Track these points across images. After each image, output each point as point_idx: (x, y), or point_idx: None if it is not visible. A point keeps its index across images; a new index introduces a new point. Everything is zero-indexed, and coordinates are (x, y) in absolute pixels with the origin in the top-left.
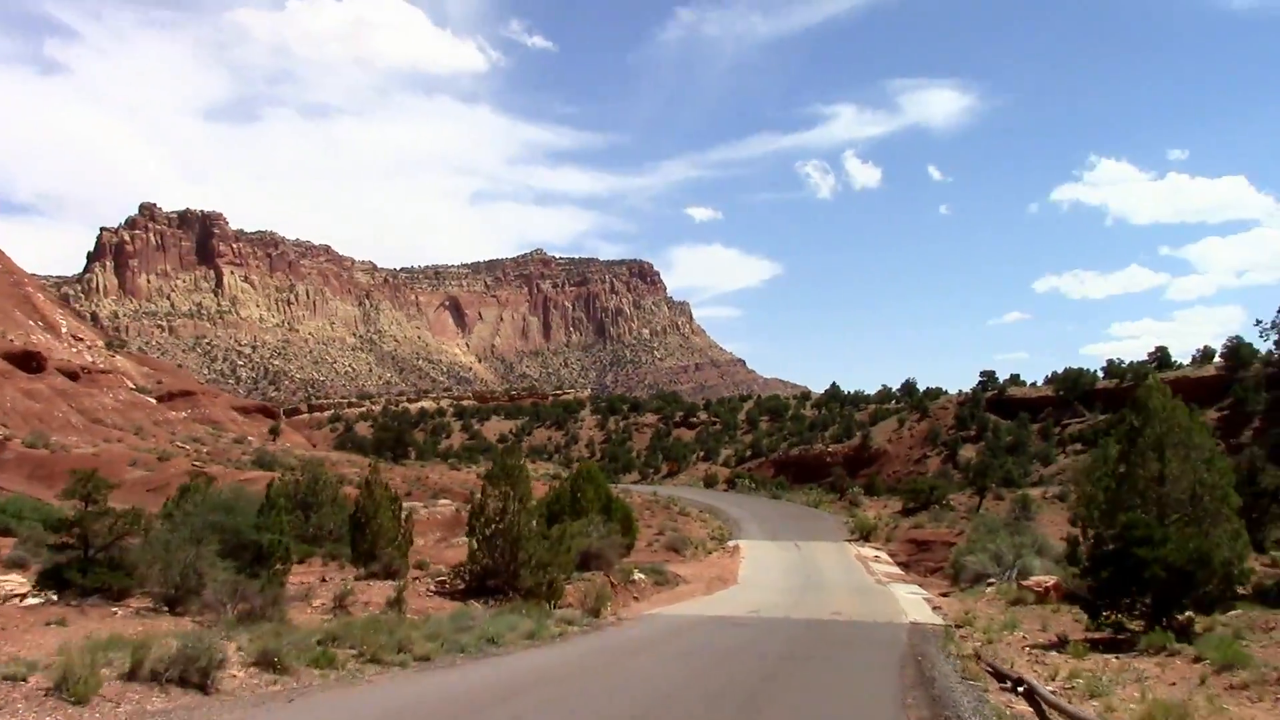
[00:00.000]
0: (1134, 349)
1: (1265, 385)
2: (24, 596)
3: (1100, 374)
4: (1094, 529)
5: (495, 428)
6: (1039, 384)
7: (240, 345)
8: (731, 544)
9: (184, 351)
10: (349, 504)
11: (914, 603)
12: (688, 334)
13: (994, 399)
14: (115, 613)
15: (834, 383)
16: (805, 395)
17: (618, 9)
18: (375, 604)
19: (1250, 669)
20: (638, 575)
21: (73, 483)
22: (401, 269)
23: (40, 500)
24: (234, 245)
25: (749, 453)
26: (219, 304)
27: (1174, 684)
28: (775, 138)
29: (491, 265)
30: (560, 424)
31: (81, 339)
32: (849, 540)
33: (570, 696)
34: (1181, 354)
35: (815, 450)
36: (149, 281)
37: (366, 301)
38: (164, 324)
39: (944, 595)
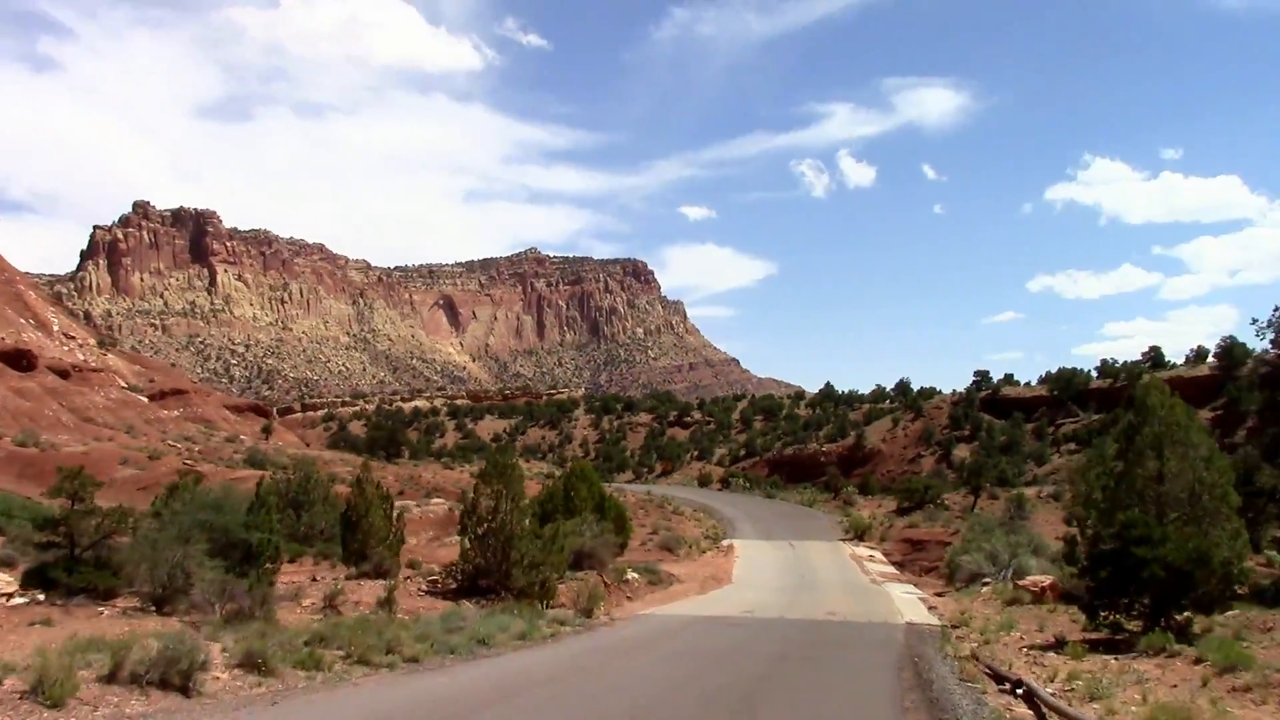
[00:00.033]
0: (1128, 349)
1: (1259, 385)
2: (10, 596)
3: (1094, 374)
4: (1092, 528)
5: (489, 427)
6: (1033, 384)
7: (234, 344)
8: (725, 543)
9: (177, 350)
10: (341, 503)
11: (909, 602)
12: (682, 333)
13: (988, 399)
14: (102, 613)
15: (828, 382)
16: (799, 395)
17: (612, 8)
18: (366, 604)
19: (1253, 671)
20: (631, 575)
21: (59, 481)
22: (395, 268)
23: (30, 499)
24: (227, 243)
25: (743, 452)
26: (212, 302)
27: (1175, 686)
28: (770, 137)
29: (486, 264)
30: (554, 423)
31: (73, 337)
32: (843, 540)
33: (561, 699)
34: (1175, 354)
35: (809, 450)
36: (142, 280)
37: (360, 300)
38: (157, 322)
39: (939, 595)
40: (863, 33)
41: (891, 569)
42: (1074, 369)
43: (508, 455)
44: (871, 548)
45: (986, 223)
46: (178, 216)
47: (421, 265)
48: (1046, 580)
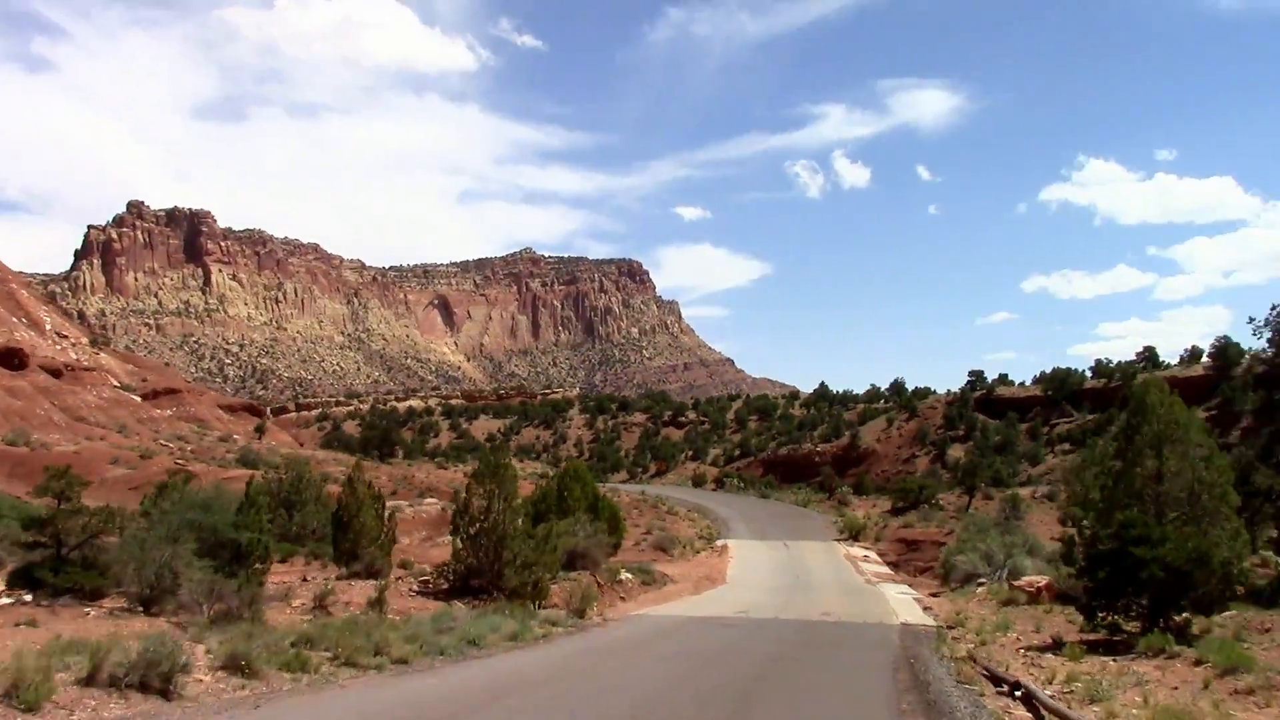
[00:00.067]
0: (1122, 349)
1: (1254, 385)
2: None
3: (1088, 374)
4: (1090, 528)
5: (483, 427)
6: (1027, 384)
7: (228, 344)
8: (720, 543)
9: (171, 350)
10: (333, 502)
11: (904, 603)
12: (676, 333)
13: (982, 399)
14: (88, 613)
15: (822, 382)
16: (794, 395)
17: (607, 8)
18: (356, 604)
19: (1255, 673)
20: (625, 575)
21: (45, 480)
22: (390, 268)
23: (19, 498)
24: (222, 243)
25: (737, 452)
26: (207, 302)
27: (1176, 688)
28: (764, 137)
29: (480, 264)
30: (548, 423)
31: (66, 336)
32: (838, 540)
33: (553, 701)
34: (1169, 354)
35: (804, 450)
36: (136, 280)
37: (355, 300)
38: (151, 322)
39: (934, 595)
40: (857, 34)
41: (886, 569)
42: (1068, 369)
43: (501, 455)
44: (866, 548)
45: (981, 223)
46: (172, 216)
47: (416, 265)
48: (1042, 580)
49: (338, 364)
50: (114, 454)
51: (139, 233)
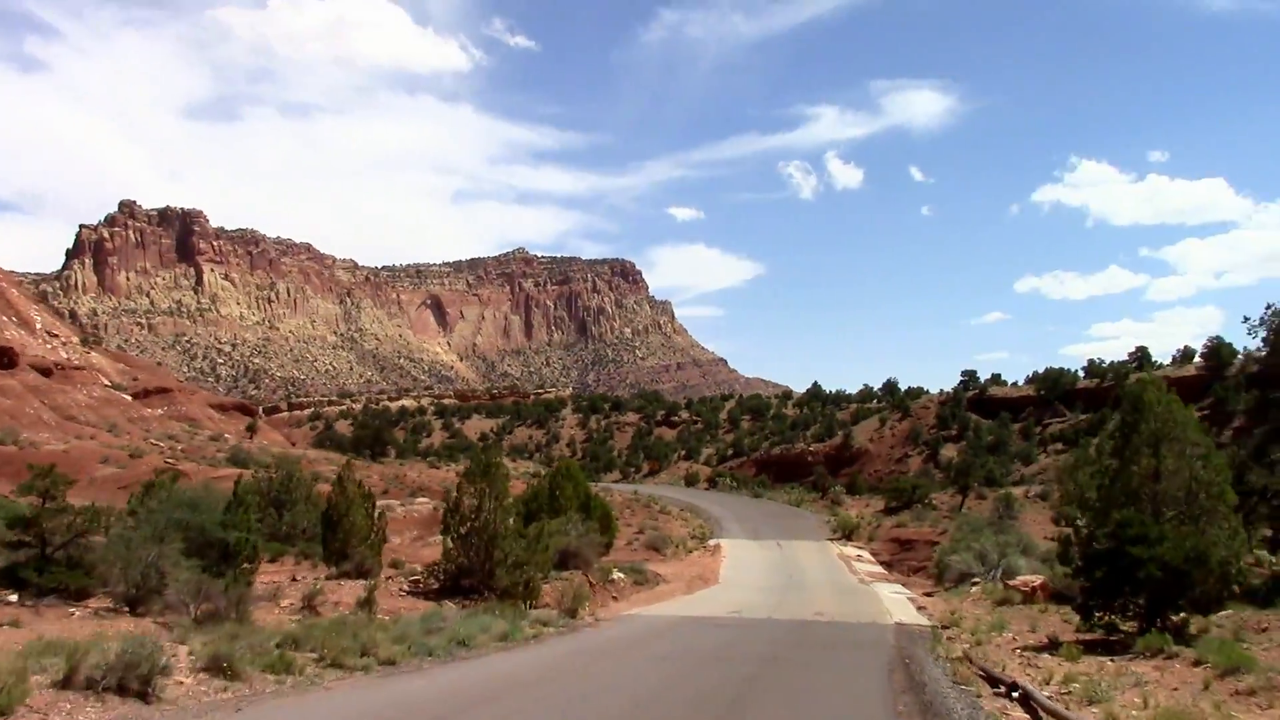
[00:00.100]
0: (1114, 349)
1: (1246, 385)
2: None
3: (1081, 374)
4: (1086, 528)
5: (476, 426)
6: (1020, 384)
7: (220, 343)
8: (713, 543)
9: (163, 349)
10: (323, 502)
11: (898, 603)
12: (670, 333)
13: (975, 398)
14: (73, 613)
15: (815, 382)
16: (787, 394)
17: (600, 9)
18: (345, 604)
19: (1256, 674)
20: (617, 574)
21: (30, 479)
22: (383, 267)
23: (4, 497)
24: (214, 243)
25: (730, 452)
26: (199, 302)
27: (1176, 689)
28: (757, 138)
29: (473, 264)
30: (541, 423)
31: (56, 335)
32: (831, 539)
33: (542, 703)
34: (1161, 354)
35: (797, 449)
36: (128, 279)
37: (348, 300)
38: (143, 322)
39: (928, 595)
40: (850, 35)
41: (879, 569)
42: (1061, 369)
43: (492, 454)
44: (859, 547)
45: (974, 224)
46: (164, 216)
47: (409, 265)
48: (1037, 580)
49: (330, 364)
50: (104, 453)
51: (131, 232)
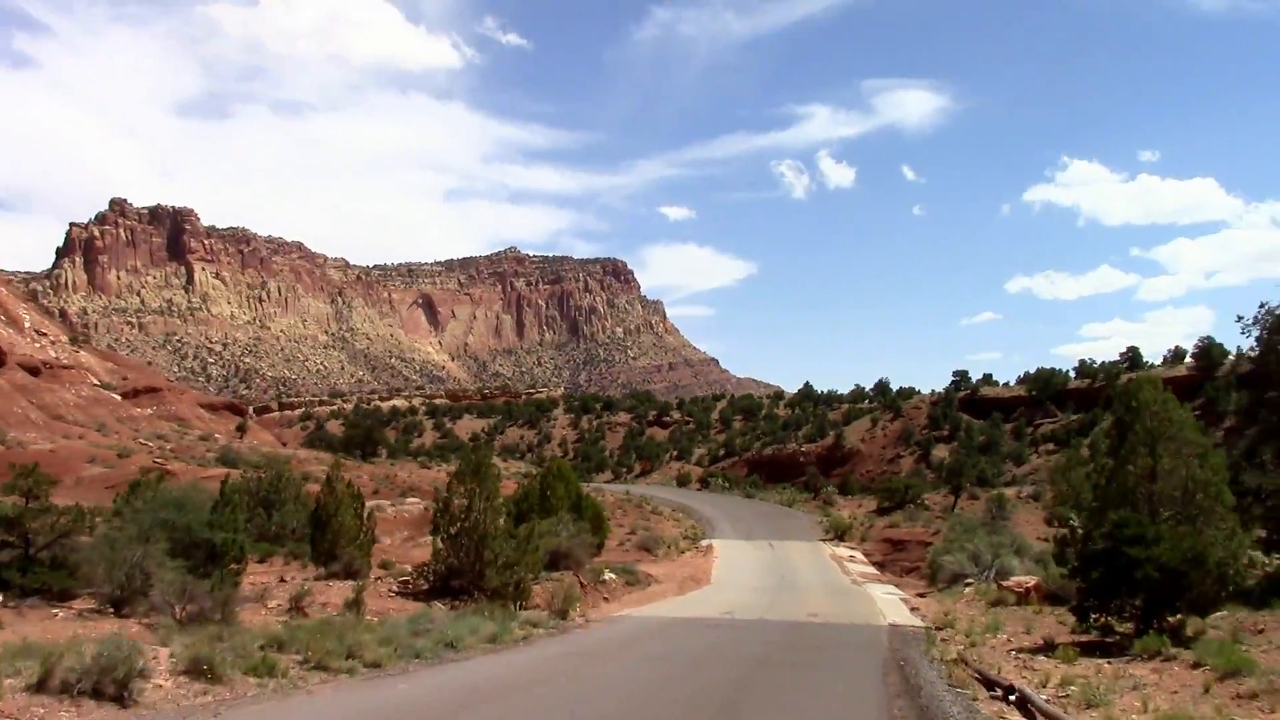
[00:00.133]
0: (1105, 349)
1: (1237, 385)
2: None
3: (1072, 374)
4: (1081, 527)
5: (468, 426)
6: (1011, 384)
7: (211, 342)
8: (704, 543)
9: (154, 349)
10: (313, 502)
11: (891, 603)
12: (661, 333)
13: (967, 399)
14: (56, 614)
15: (807, 382)
16: (779, 395)
17: (593, 7)
18: (333, 605)
19: (1257, 676)
20: (608, 575)
21: (13, 478)
22: (374, 266)
23: None
24: (205, 241)
25: (722, 452)
26: (190, 301)
27: (1175, 692)
28: (750, 137)
29: (465, 263)
30: (533, 423)
31: (45, 334)
32: (823, 540)
33: (529, 707)
34: (1152, 354)
35: (789, 449)
36: (119, 278)
37: (339, 299)
38: (134, 321)
39: (921, 596)
40: (843, 34)
41: (872, 569)
42: (1052, 369)
43: (483, 453)
44: (852, 548)
45: (965, 224)
46: (155, 214)
47: (400, 264)
48: (1031, 581)
49: (321, 363)
50: (91, 452)
51: (121, 230)
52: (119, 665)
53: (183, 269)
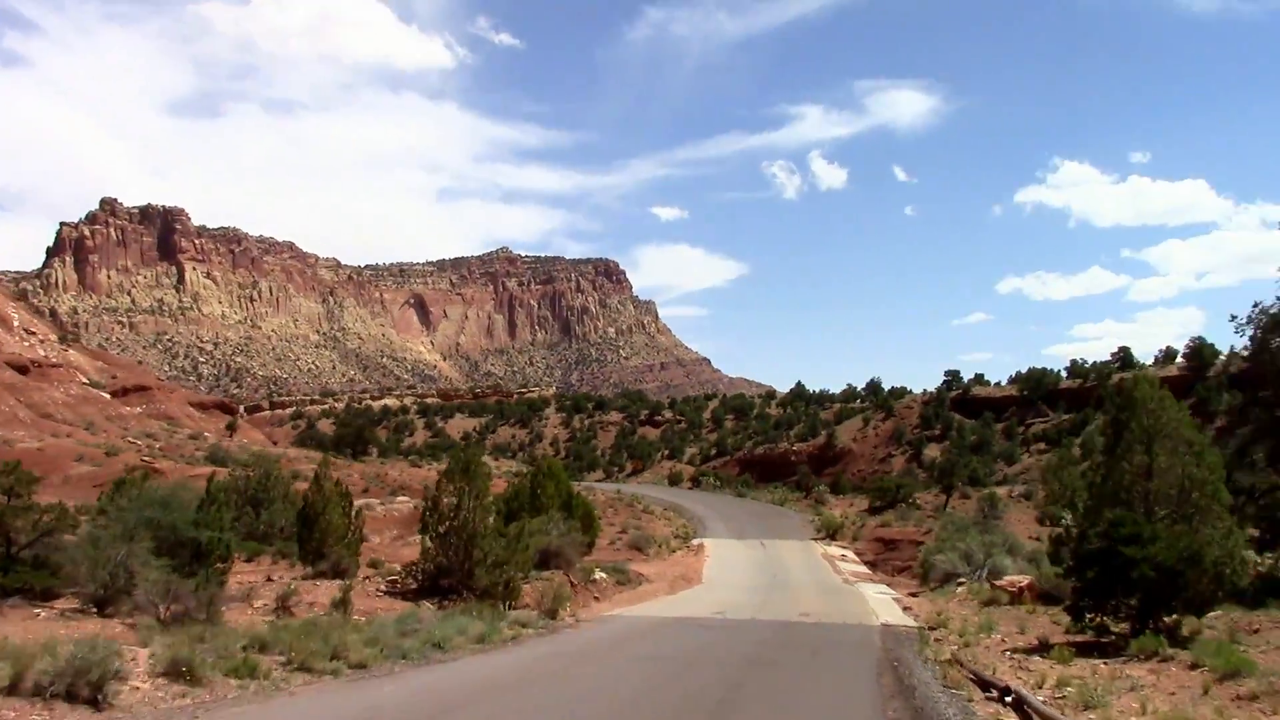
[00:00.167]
0: (1096, 350)
1: (1228, 385)
2: None
3: (1064, 374)
4: (1076, 526)
5: (459, 425)
6: (1003, 384)
7: (202, 342)
8: (696, 542)
9: (145, 348)
10: (301, 500)
11: (884, 603)
12: (653, 333)
13: (958, 398)
14: (38, 614)
15: (799, 381)
16: (770, 394)
17: (585, 7)
18: (320, 605)
19: (1256, 677)
20: (599, 574)
21: None
22: (366, 266)
23: None
24: (196, 241)
25: (714, 451)
26: (181, 300)
27: (1174, 693)
28: (742, 137)
29: (457, 263)
30: (525, 422)
31: (34, 332)
32: (815, 539)
33: (516, 709)
34: (1143, 355)
35: (780, 449)
36: (109, 277)
37: (330, 298)
38: (124, 320)
39: (913, 595)
40: (835, 34)
41: (864, 568)
42: (1044, 369)
43: (472, 451)
44: (843, 547)
45: (957, 225)
46: (146, 214)
47: (392, 264)
48: (1024, 580)
49: (313, 362)
50: (79, 451)
51: (112, 230)
52: (93, 667)
53: (173, 268)
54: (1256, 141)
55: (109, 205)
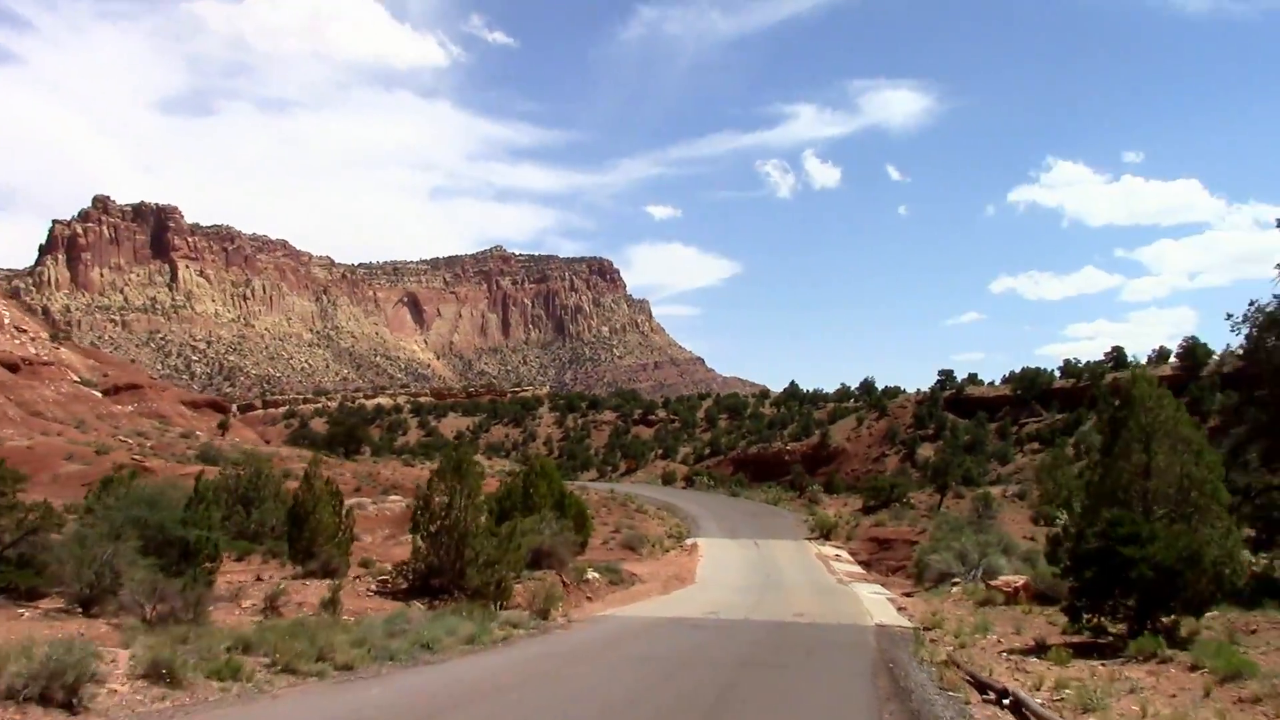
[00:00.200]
0: (1089, 349)
1: (1222, 385)
2: None
3: (1057, 374)
4: (1073, 526)
5: (452, 425)
6: (996, 383)
7: (195, 340)
8: (689, 542)
9: (137, 346)
10: (292, 499)
11: (878, 603)
12: (647, 332)
13: (952, 398)
14: (22, 614)
15: (793, 381)
16: (764, 394)
17: (579, 6)
18: (309, 605)
19: (1259, 680)
20: (591, 574)
21: None
22: (360, 264)
23: None
24: (189, 239)
25: (708, 450)
26: (173, 298)
27: (1174, 696)
28: (735, 136)
29: (451, 262)
30: (518, 421)
31: (24, 330)
32: (809, 538)
33: (505, 712)
34: (1136, 355)
35: (774, 448)
36: (102, 275)
37: (324, 297)
38: (117, 318)
39: (908, 595)
40: (829, 34)
41: (858, 568)
42: (1037, 369)
43: (464, 450)
44: (837, 547)
45: (950, 224)
46: (138, 212)
47: (386, 262)
48: (1020, 580)
49: (306, 361)
50: (69, 449)
51: (105, 228)
52: (68, 669)
53: (166, 267)
54: (1249, 142)
55: (102, 203)
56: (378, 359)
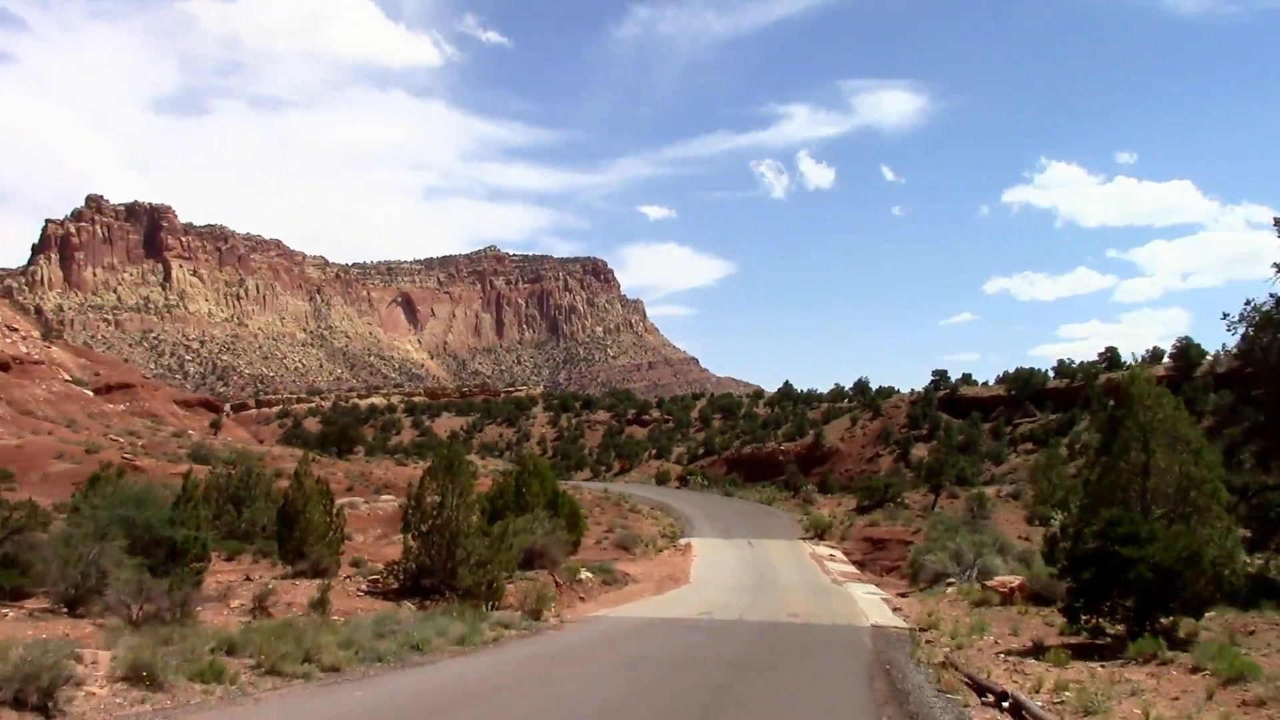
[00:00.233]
0: (1083, 350)
1: (1215, 385)
2: None
3: (1051, 374)
4: (1071, 526)
5: (446, 424)
6: (990, 384)
7: (188, 340)
8: (683, 542)
9: (130, 346)
10: (282, 499)
11: (873, 603)
12: (641, 332)
13: (946, 398)
14: (6, 614)
15: (787, 381)
16: (758, 394)
17: (573, 6)
18: (299, 605)
19: (1262, 682)
20: (584, 574)
21: None
22: (353, 264)
23: None
24: (183, 238)
25: (702, 450)
26: (167, 298)
27: (1176, 698)
28: (730, 137)
29: (444, 261)
30: (512, 421)
31: (15, 329)
32: (803, 538)
33: (494, 715)
34: (1130, 355)
35: (768, 448)
36: (95, 275)
37: (318, 297)
38: (110, 318)
39: (903, 595)
40: (823, 34)
41: (852, 568)
42: (1031, 369)
43: (456, 449)
44: (832, 547)
45: (944, 225)
46: (132, 211)
47: (380, 262)
48: (1015, 580)
49: (300, 361)
50: (59, 448)
51: (98, 227)
52: (44, 672)
53: (160, 266)
54: (1243, 143)
55: (95, 202)
56: (371, 359)
